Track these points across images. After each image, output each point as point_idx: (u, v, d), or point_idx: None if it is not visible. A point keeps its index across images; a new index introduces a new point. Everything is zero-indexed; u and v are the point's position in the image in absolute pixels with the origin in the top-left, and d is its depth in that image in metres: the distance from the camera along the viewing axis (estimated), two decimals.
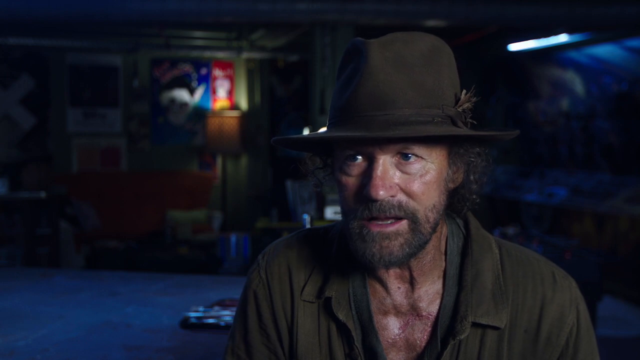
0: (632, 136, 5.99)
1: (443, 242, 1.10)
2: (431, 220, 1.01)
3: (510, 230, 4.68)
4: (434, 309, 1.08)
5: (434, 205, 1.01)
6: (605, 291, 4.28)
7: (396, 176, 0.99)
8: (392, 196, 0.99)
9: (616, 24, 5.49)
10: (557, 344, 1.07)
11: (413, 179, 0.99)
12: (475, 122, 1.05)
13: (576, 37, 6.23)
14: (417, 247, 1.01)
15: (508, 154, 7.73)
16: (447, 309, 1.07)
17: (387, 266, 1.01)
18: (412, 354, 1.09)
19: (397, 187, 0.99)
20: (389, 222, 0.99)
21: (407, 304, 1.09)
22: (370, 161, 1.00)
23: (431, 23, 5.43)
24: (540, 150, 7.34)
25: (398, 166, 0.99)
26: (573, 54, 6.57)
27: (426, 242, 1.03)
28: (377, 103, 0.97)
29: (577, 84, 6.60)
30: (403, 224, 0.99)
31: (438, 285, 1.09)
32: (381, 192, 0.97)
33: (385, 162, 0.98)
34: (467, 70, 7.64)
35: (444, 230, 1.10)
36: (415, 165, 0.99)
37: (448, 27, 5.95)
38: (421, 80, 0.98)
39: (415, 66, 0.99)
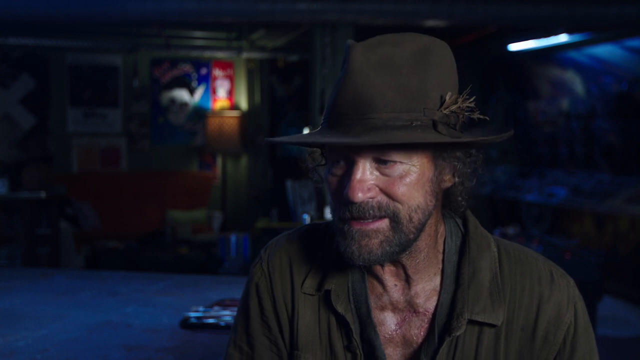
0: (632, 136, 5.99)
1: (440, 241, 1.10)
2: (415, 220, 1.01)
3: (510, 230, 4.69)
4: (430, 305, 1.09)
5: (418, 206, 1.01)
6: (605, 291, 4.28)
7: (376, 178, 1.00)
8: (372, 198, 1.00)
9: (616, 24, 5.49)
10: (554, 342, 1.07)
11: (393, 181, 0.99)
12: (477, 121, 1.04)
13: (576, 37, 6.23)
14: (398, 245, 1.01)
15: (508, 154, 7.74)
16: (444, 306, 1.08)
17: (367, 264, 1.02)
18: (408, 350, 1.10)
19: (376, 188, 1.00)
20: (369, 220, 1.00)
21: (404, 300, 1.10)
22: (351, 164, 1.00)
23: (431, 23, 5.42)
24: (540, 150, 7.35)
25: (378, 168, 1.00)
26: (573, 54, 6.57)
27: (410, 242, 1.03)
28: (357, 107, 0.98)
29: (577, 84, 6.61)
30: (384, 222, 1.00)
31: (435, 282, 1.10)
32: (359, 195, 0.98)
33: (364, 165, 0.99)
34: (467, 71, 7.65)
35: (440, 229, 1.10)
36: (395, 168, 0.99)
37: (448, 27, 5.95)
38: (405, 82, 0.98)
39: (403, 68, 0.98)
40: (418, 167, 1.00)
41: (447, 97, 1.00)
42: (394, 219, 1.00)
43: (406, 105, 0.97)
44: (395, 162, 0.99)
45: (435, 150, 1.02)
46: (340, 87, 1.00)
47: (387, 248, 1.01)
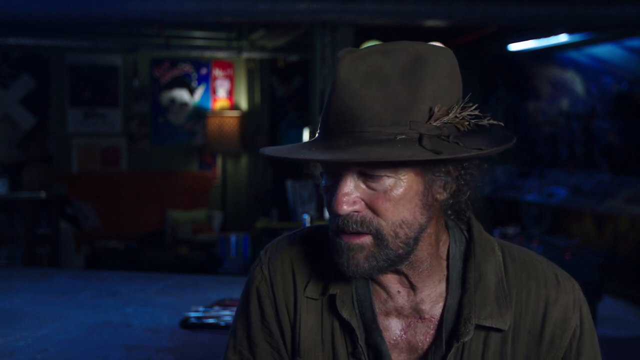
0: (632, 136, 5.99)
1: (444, 249, 1.09)
2: (401, 235, 0.99)
3: (510, 230, 4.69)
4: (436, 311, 1.08)
5: (403, 222, 0.99)
6: (605, 291, 4.28)
7: (363, 192, 0.99)
8: (357, 211, 0.98)
9: (616, 24, 5.49)
10: (560, 346, 1.07)
11: (377, 196, 0.98)
12: (487, 126, 1.00)
13: (576, 37, 6.23)
14: (385, 261, 1.00)
15: (508, 154, 7.73)
16: (451, 311, 1.07)
17: (357, 277, 1.02)
18: (413, 356, 1.09)
19: (362, 202, 0.99)
20: (353, 233, 0.99)
21: (409, 306, 1.09)
22: (338, 177, 1.00)
23: (431, 23, 5.42)
24: (540, 150, 7.35)
25: (365, 182, 0.98)
26: (573, 54, 6.57)
27: (401, 256, 1.01)
28: (343, 119, 0.96)
29: (577, 84, 6.61)
30: (367, 238, 0.99)
31: (441, 288, 1.08)
32: (344, 207, 0.97)
33: (351, 179, 0.98)
34: (467, 71, 7.62)
35: (443, 237, 1.08)
36: (381, 182, 0.97)
37: (448, 27, 5.95)
38: (393, 94, 0.95)
39: (392, 78, 0.95)
40: (405, 181, 0.98)
41: (436, 109, 0.96)
42: (377, 236, 0.99)
43: (392, 118, 0.95)
44: (381, 176, 0.97)
45: (424, 164, 0.98)
46: (329, 99, 0.98)
47: (374, 263, 1.00)
